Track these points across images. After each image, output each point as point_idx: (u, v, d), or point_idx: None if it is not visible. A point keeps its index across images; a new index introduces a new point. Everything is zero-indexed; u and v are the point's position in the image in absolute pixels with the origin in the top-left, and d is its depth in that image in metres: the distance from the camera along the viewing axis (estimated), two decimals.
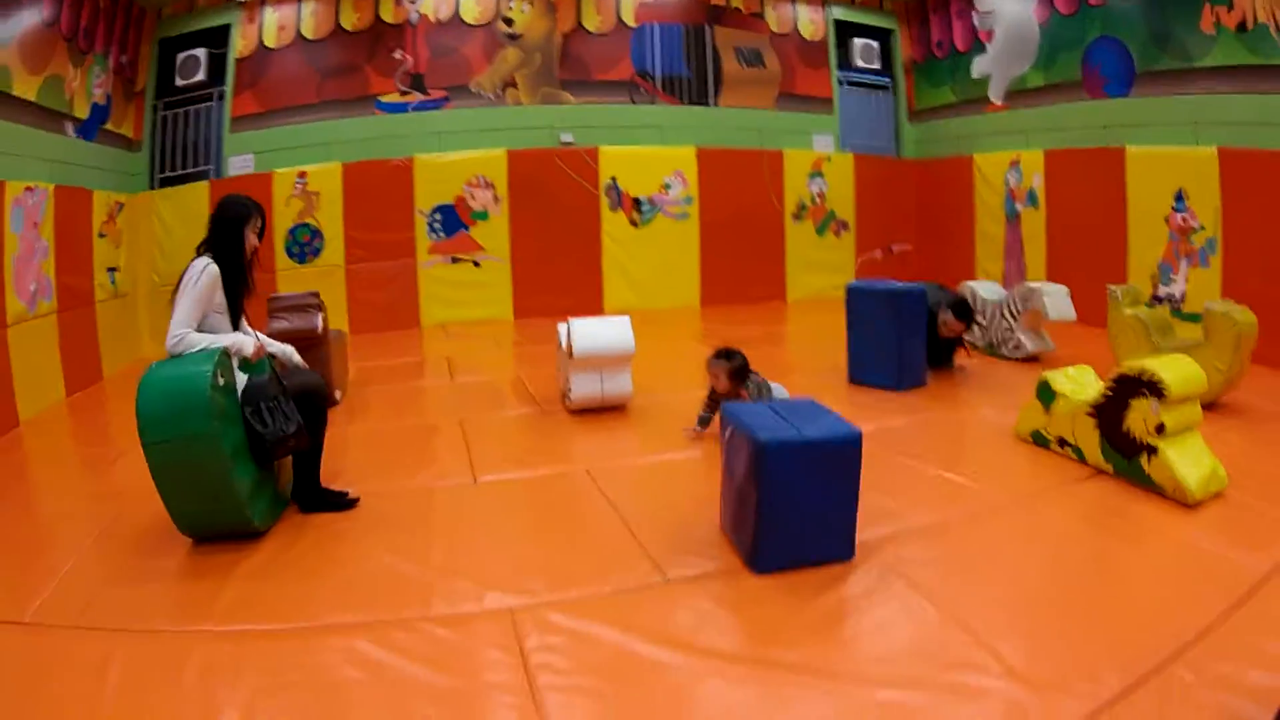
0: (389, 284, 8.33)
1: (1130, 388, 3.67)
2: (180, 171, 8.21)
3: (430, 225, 8.44)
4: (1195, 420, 3.65)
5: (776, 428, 2.73)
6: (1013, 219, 9.01)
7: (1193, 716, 1.98)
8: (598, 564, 2.93)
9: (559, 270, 8.86)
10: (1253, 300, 5.02)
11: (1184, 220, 6.93)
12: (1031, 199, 8.69)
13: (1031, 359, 6.31)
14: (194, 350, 3.17)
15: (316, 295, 5.27)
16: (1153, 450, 3.55)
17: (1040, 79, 8.70)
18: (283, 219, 7.97)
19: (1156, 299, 7.17)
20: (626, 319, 5.04)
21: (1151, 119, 7.31)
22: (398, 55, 8.68)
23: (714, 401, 4.36)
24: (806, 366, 6.39)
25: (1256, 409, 4.66)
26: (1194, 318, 6.11)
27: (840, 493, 2.78)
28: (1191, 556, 2.97)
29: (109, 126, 7.47)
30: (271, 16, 8.40)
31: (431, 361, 6.86)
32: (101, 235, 6.98)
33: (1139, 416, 3.62)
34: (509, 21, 9.02)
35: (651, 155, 9.23)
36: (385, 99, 8.67)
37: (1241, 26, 6.39)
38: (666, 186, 9.20)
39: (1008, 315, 6.54)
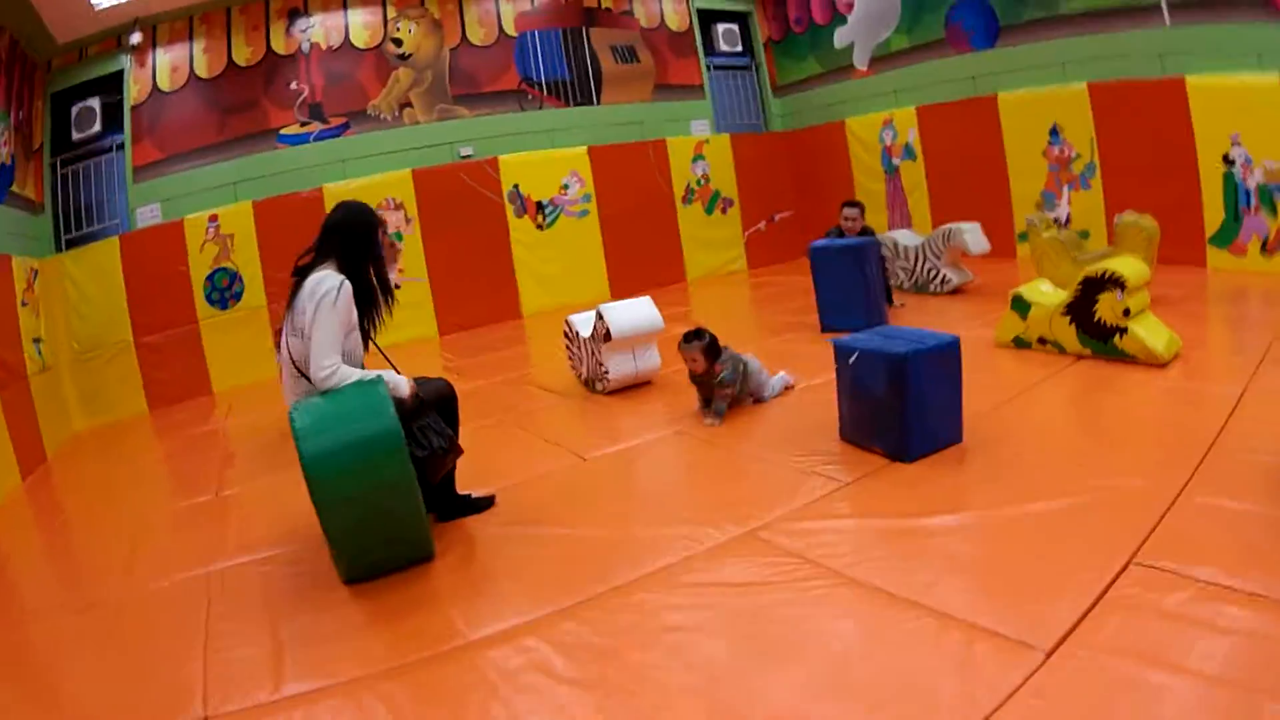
0: None
1: (1096, 286, 5.09)
2: (85, 230, 8.37)
3: None
4: (1146, 303, 5.12)
5: (901, 344, 3.87)
6: (891, 173, 10.71)
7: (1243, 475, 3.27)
8: (778, 489, 3.73)
9: (475, 281, 9.67)
10: (1135, 207, 6.70)
11: (1061, 151, 8.71)
12: (909, 153, 10.39)
13: (956, 290, 7.88)
14: (348, 384, 3.26)
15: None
16: (1123, 331, 4.99)
17: (905, 41, 10.45)
18: (199, 266, 8.27)
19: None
20: (648, 299, 6.07)
21: (1019, 65, 9.16)
22: (294, 86, 9.18)
23: (700, 384, 4.90)
24: (769, 326, 7.64)
25: (1170, 296, 6.28)
26: (1083, 235, 7.84)
27: (951, 388, 3.96)
28: (1180, 393, 4.44)
29: (14, 189, 7.54)
30: (164, 59, 8.65)
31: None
32: (24, 304, 7.07)
33: (1107, 307, 5.05)
34: (398, 42, 9.75)
35: (547, 159, 10.23)
36: (286, 131, 9.14)
37: None
38: (565, 187, 10.21)
39: (930, 255, 8.03)
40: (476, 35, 10.28)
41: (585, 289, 10.16)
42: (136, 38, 8.47)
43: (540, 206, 10.06)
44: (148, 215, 8.45)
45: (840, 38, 11.36)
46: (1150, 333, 4.98)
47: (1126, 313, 4.98)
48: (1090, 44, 8.52)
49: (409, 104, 9.83)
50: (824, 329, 6.98)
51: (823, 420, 4.51)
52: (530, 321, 9.75)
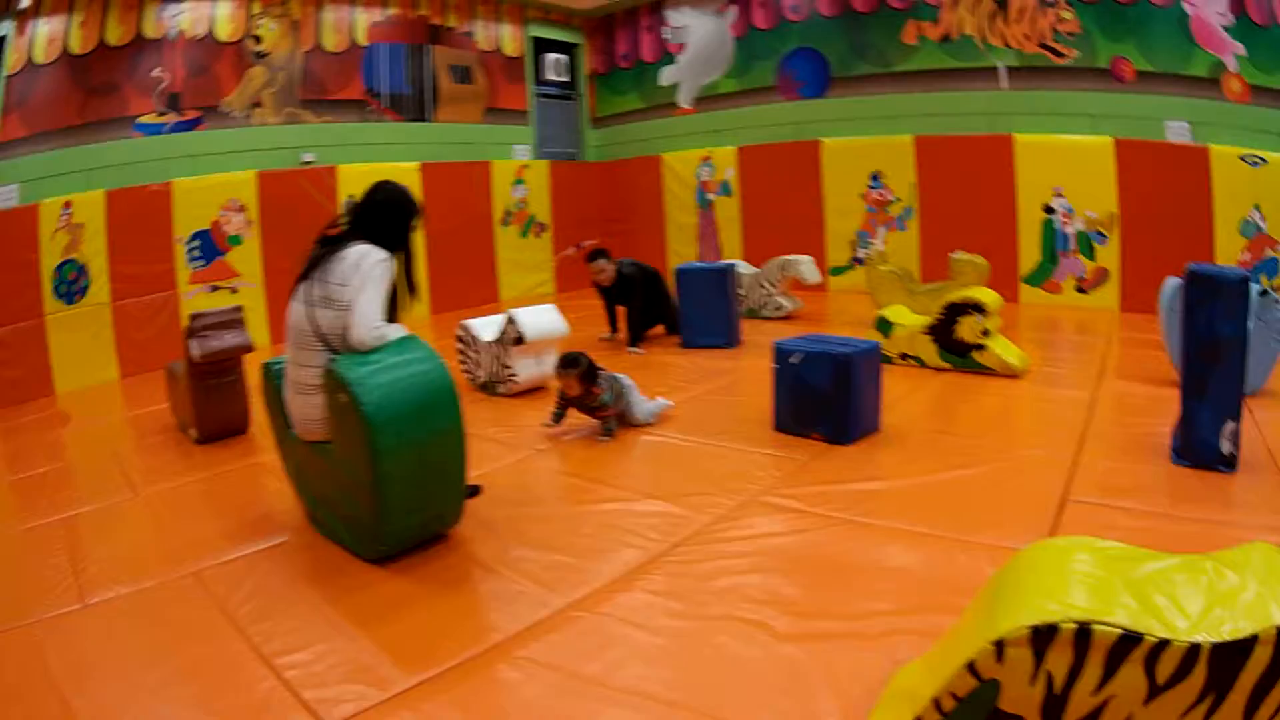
0: (154, 319, 8.78)
1: (957, 310, 6.39)
2: None
3: (189, 253, 9.00)
4: (998, 326, 6.45)
5: (839, 347, 4.88)
6: (705, 208, 12.07)
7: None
8: (747, 467, 4.47)
9: None
10: (950, 248, 8.32)
11: (880, 195, 10.25)
12: (725, 189, 11.78)
13: (788, 316, 9.17)
14: (390, 341, 3.51)
15: (240, 310, 5.83)
16: (980, 348, 6.30)
17: (733, 85, 11.89)
18: (49, 256, 8.00)
19: (857, 260, 10.54)
20: (552, 306, 6.80)
21: (847, 116, 10.75)
22: (156, 73, 9.11)
23: (565, 403, 5.32)
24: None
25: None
26: None
27: (874, 385, 5.02)
28: (1041, 396, 5.82)
29: None
30: (44, 28, 8.35)
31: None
32: None
33: (966, 328, 6.35)
34: (257, 39, 9.89)
35: (382, 172, 10.51)
36: (143, 119, 9.03)
37: (946, 38, 9.92)
38: None
39: (765, 284, 9.30)
40: (331, 41, 10.56)
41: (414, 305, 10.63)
42: (25, 1, 8.17)
43: None
44: (4, 197, 8.11)
45: (666, 76, 12.67)
46: (1005, 349, 6.34)
47: (986, 333, 6.29)
48: (921, 101, 10.26)
49: (259, 104, 9.93)
50: (684, 345, 8.00)
51: (742, 416, 5.51)
52: None
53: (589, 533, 3.79)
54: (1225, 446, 4.23)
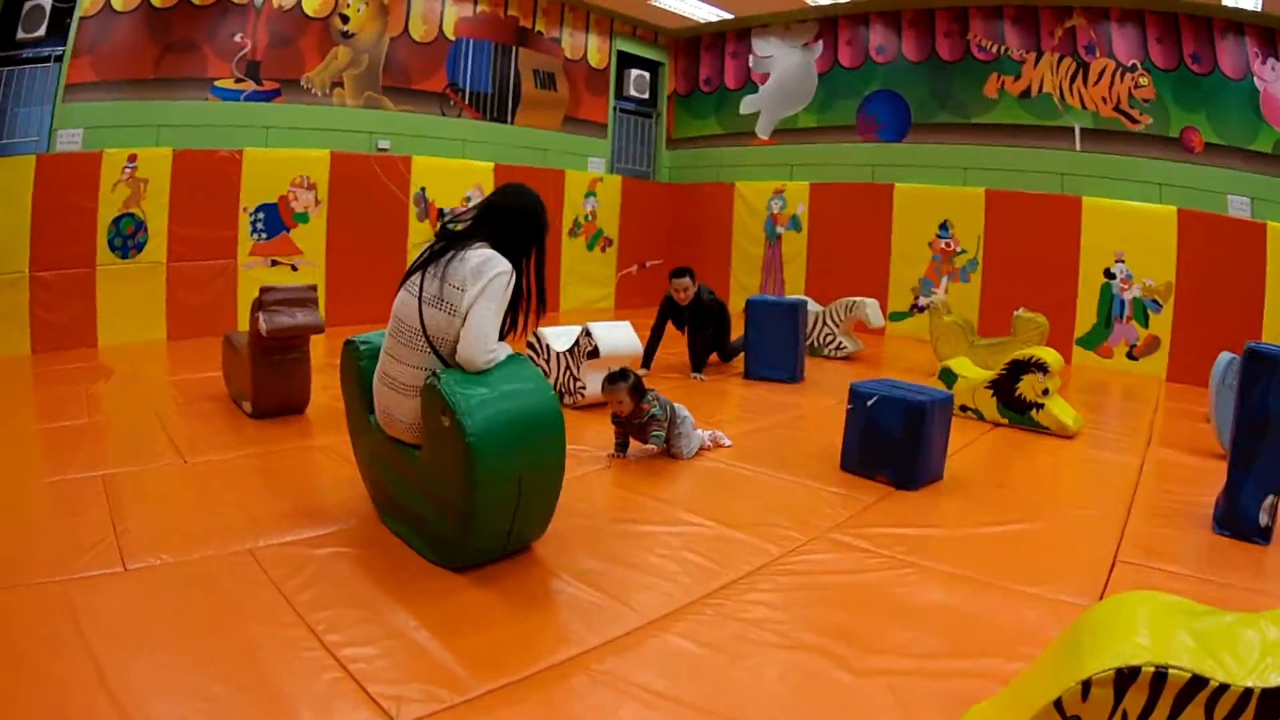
0: (209, 285, 8.99)
1: (1021, 368, 6.77)
2: (5, 141, 8.10)
3: (254, 225, 9.26)
4: (1058, 386, 6.86)
5: (914, 394, 5.27)
6: (773, 240, 12.49)
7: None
8: (814, 504, 4.74)
9: (367, 278, 10.02)
10: (1010, 304, 8.88)
11: (947, 245, 10.65)
12: (794, 224, 12.19)
13: (849, 357, 9.60)
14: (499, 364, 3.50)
15: (313, 289, 5.88)
16: (1039, 406, 6.69)
17: (813, 121, 12.35)
18: (108, 207, 8.22)
19: (917, 307, 10.87)
20: (627, 323, 7.12)
21: (921, 162, 11.24)
22: (238, 38, 9.44)
23: (620, 425, 5.34)
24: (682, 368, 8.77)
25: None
26: None
27: (942, 433, 5.40)
28: (1093, 458, 6.19)
29: None
30: None
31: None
32: None
33: (1028, 386, 6.74)
34: (344, 18, 10.30)
35: (456, 168, 11.09)
36: (221, 84, 9.33)
37: (1025, 94, 10.37)
38: (467, 199, 11.06)
39: (830, 322, 9.69)
40: (418, 30, 11.00)
41: None
42: None
43: (441, 214, 10.75)
44: (68, 140, 8.30)
45: (747, 105, 13.19)
46: (1062, 409, 6.73)
47: (1045, 392, 6.69)
48: (996, 154, 10.75)
49: (340, 84, 10.30)
50: (747, 376, 8.37)
51: (807, 452, 5.85)
52: None
53: (662, 552, 3.90)
54: (1264, 519, 4.56)
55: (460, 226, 3.74)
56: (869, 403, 5.42)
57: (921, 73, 11.59)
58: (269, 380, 5.77)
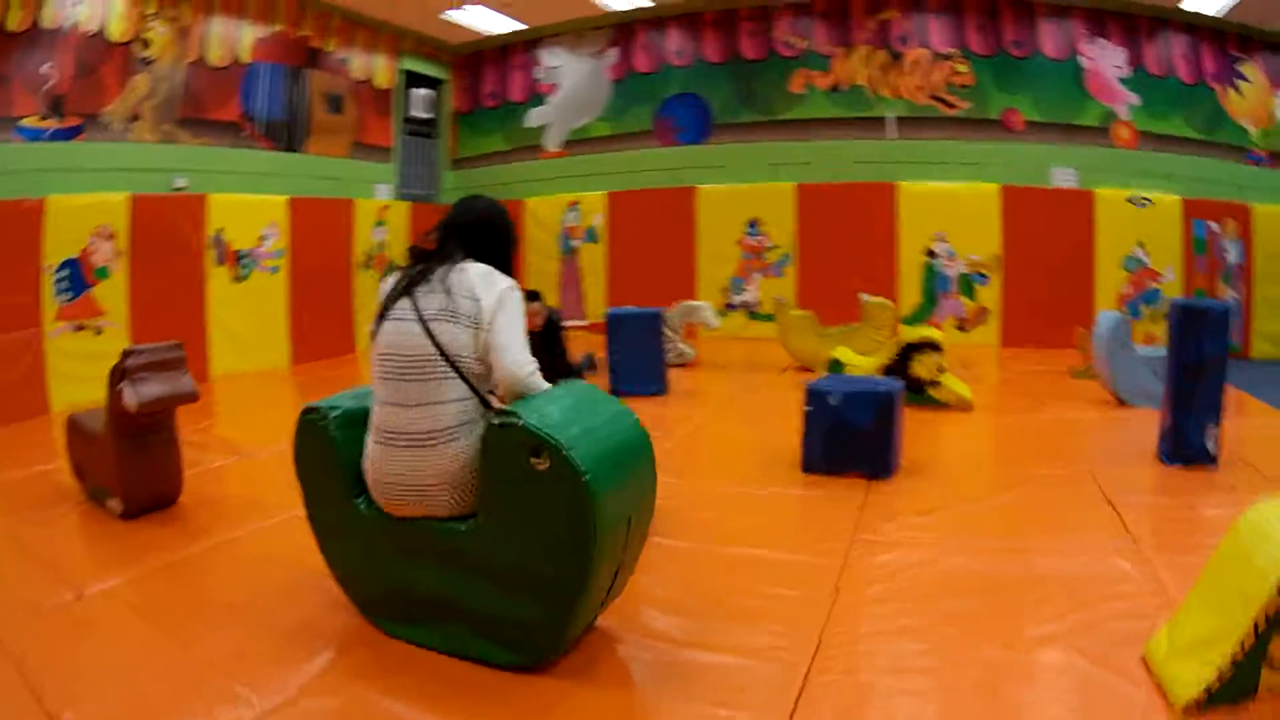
0: (16, 361, 7.79)
1: (914, 349, 7.04)
2: None
3: (58, 284, 8.09)
4: (946, 364, 7.18)
5: (876, 386, 5.33)
6: (569, 254, 12.36)
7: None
8: (819, 511, 4.66)
9: (166, 334, 8.77)
10: (825, 292, 9.43)
11: (757, 242, 10.94)
12: (591, 235, 12.12)
13: (686, 364, 9.53)
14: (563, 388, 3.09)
15: (180, 347, 4.86)
16: (936, 384, 6.98)
17: (607, 129, 12.30)
18: None
19: (730, 306, 11.14)
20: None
21: (726, 162, 11.38)
22: (46, 69, 8.36)
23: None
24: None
25: None
26: (770, 317, 10.15)
27: (900, 422, 5.49)
28: (1009, 425, 6.57)
29: None
30: None
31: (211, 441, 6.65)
32: None
33: (922, 365, 7.00)
34: (146, 43, 9.20)
35: (251, 204, 10.11)
36: (26, 122, 8.24)
37: (835, 88, 10.74)
38: (263, 238, 10.15)
39: (668, 330, 9.69)
40: (215, 54, 9.97)
41: (269, 353, 10.13)
42: None
43: (239, 257, 9.85)
44: None
45: (535, 117, 12.94)
46: (957, 385, 7.04)
47: (941, 369, 6.99)
48: (806, 149, 11.12)
49: (139, 116, 9.21)
50: (615, 393, 8.16)
51: (754, 460, 5.72)
52: (220, 385, 9.24)
53: (736, 590, 3.60)
54: (1210, 446, 5.21)
55: (429, 244, 3.27)
56: (833, 401, 5.37)
57: (723, 73, 11.80)
58: (140, 468, 4.63)
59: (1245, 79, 10.14)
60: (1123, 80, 9.99)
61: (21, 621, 3.38)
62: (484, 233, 3.27)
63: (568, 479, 2.65)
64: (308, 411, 3.26)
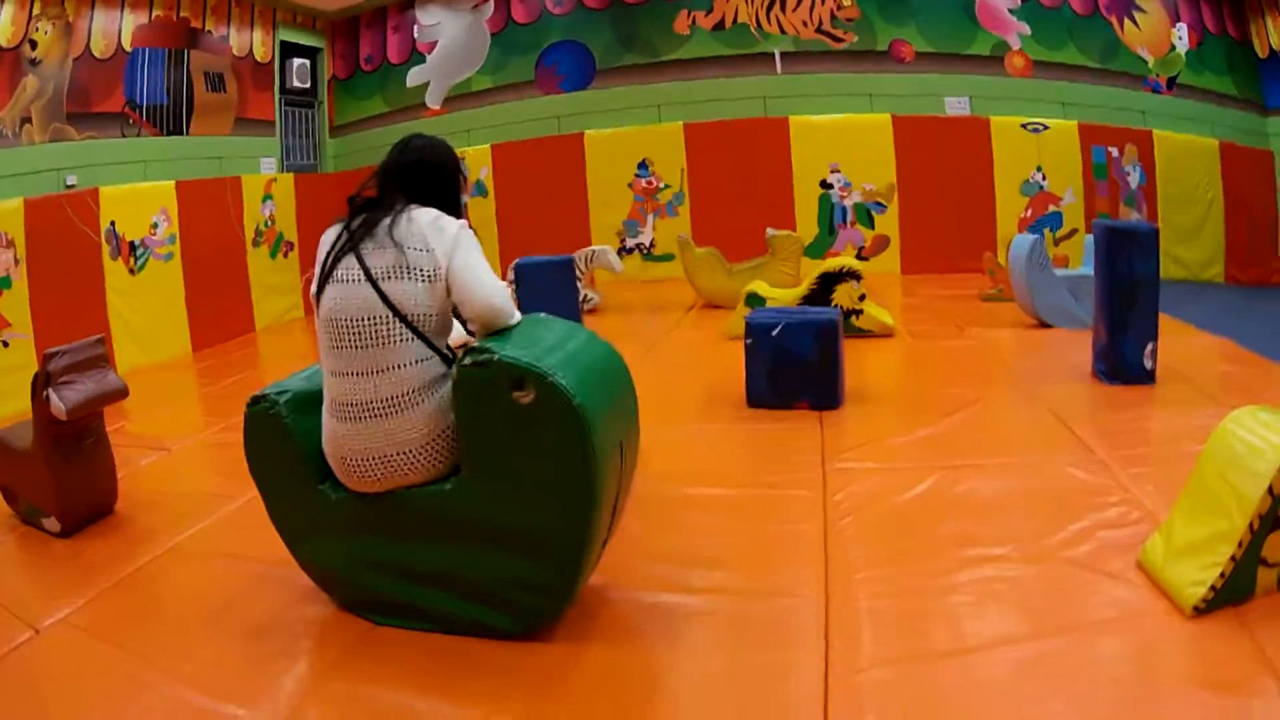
0: None
1: (832, 279, 7.11)
2: None
3: None
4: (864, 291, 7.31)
5: (814, 315, 5.34)
6: None
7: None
8: (778, 446, 4.60)
9: (72, 336, 8.86)
10: (721, 229, 9.51)
11: (649, 183, 10.94)
12: (480, 189, 11.90)
13: (594, 310, 9.52)
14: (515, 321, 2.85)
15: (102, 342, 4.59)
16: (859, 313, 7.10)
17: (488, 82, 11.98)
18: None
19: (625, 249, 11.14)
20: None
21: (612, 107, 11.25)
22: None
23: None
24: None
25: None
26: (667, 258, 10.31)
27: (839, 353, 5.48)
28: (936, 350, 6.71)
29: None
30: None
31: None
32: None
33: (843, 295, 7.08)
34: (33, 44, 8.84)
35: (140, 193, 9.72)
36: None
37: (719, 26, 10.71)
38: (154, 226, 9.75)
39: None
40: (99, 46, 9.51)
41: (171, 342, 9.77)
42: None
43: (133, 247, 9.57)
44: None
45: (414, 77, 12.51)
46: (878, 312, 7.17)
47: (862, 298, 7.11)
48: (692, 88, 11.01)
49: (29, 119, 8.91)
50: None
51: (694, 398, 5.81)
52: (127, 380, 8.94)
53: (714, 528, 3.57)
54: (1148, 364, 5.37)
55: (369, 192, 2.99)
56: (773, 333, 5.39)
57: (604, 19, 11.59)
58: (75, 479, 4.23)
59: (1142, 9, 10.44)
60: (1012, 11, 10.22)
61: None
62: (425, 174, 3.01)
63: (558, 408, 2.46)
64: (255, 401, 2.97)
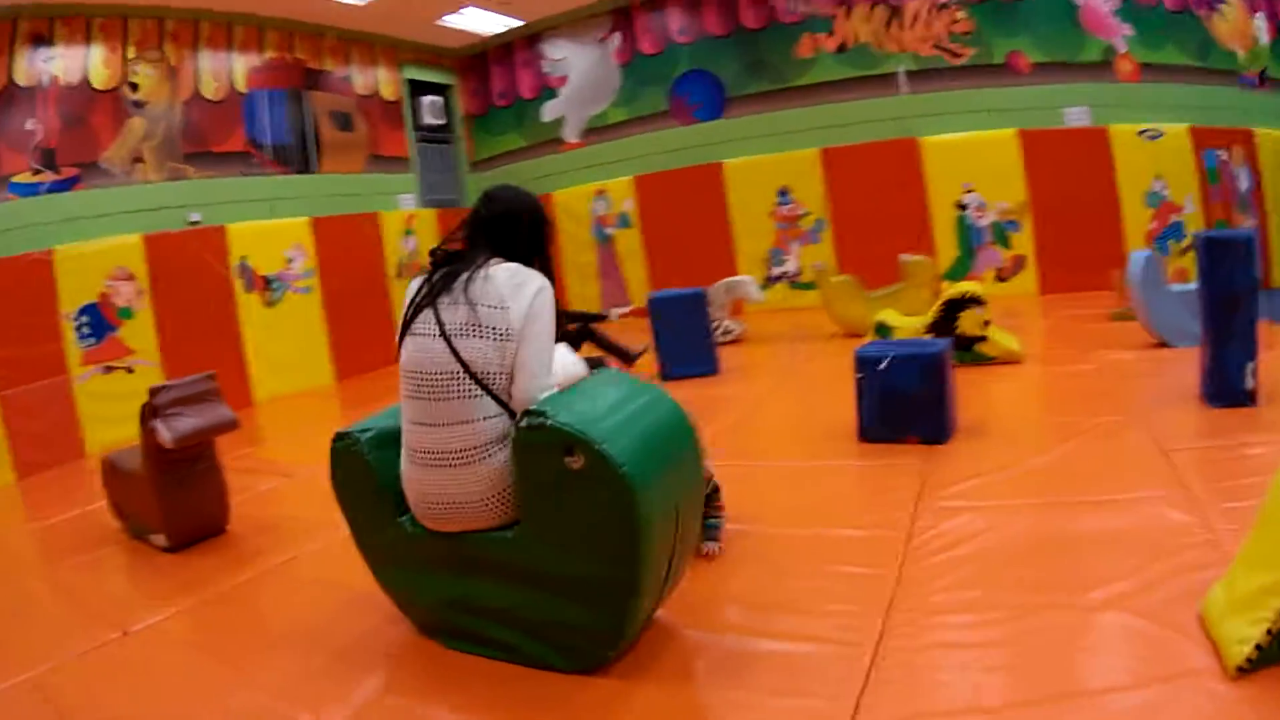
0: (47, 409, 8.15)
1: (957, 305, 7.19)
2: None
3: (79, 330, 8.46)
4: (990, 316, 7.36)
5: (922, 348, 5.44)
6: (604, 243, 12.59)
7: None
8: (877, 485, 4.74)
9: (204, 365, 8.71)
10: (863, 255, 9.67)
11: (790, 211, 11.14)
12: (624, 221, 12.34)
13: (736, 340, 9.78)
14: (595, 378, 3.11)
15: (213, 377, 5.09)
16: (983, 339, 7.16)
17: (623, 114, 12.53)
18: None
19: (772, 279, 11.33)
20: (564, 345, 7.01)
21: (747, 135, 11.57)
22: (30, 125, 8.69)
23: None
24: None
25: None
26: (809, 286, 10.39)
27: (952, 381, 5.62)
28: (1058, 375, 6.73)
29: None
30: None
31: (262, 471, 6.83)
32: None
33: (968, 322, 7.15)
34: (134, 86, 9.54)
35: (272, 229, 10.52)
36: (18, 179, 8.57)
37: (842, 48, 10.97)
38: (290, 261, 10.56)
39: (711, 309, 9.87)
40: (209, 88, 10.33)
41: (313, 372, 10.54)
42: None
43: (267, 282, 10.27)
44: None
45: (549, 111, 13.21)
46: (1004, 338, 7.20)
47: (987, 324, 7.15)
48: (823, 113, 11.27)
49: (141, 158, 9.59)
50: (665, 377, 8.28)
51: (809, 434, 5.97)
52: (265, 409, 9.76)
53: (799, 571, 3.66)
54: (1248, 383, 5.24)
55: (455, 246, 3.16)
56: (881, 366, 5.51)
57: (730, 46, 11.95)
58: (182, 502, 4.79)
59: (1225, 0, 10.10)
60: (1115, 12, 10.01)
61: (66, 666, 3.51)
62: (510, 226, 3.11)
63: (606, 475, 2.58)
64: (339, 438, 3.24)
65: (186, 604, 4.07)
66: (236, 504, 5.27)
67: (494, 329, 2.85)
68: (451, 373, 2.86)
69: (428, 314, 2.96)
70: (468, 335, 2.87)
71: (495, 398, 2.88)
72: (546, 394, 2.85)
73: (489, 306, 2.87)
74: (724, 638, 3.11)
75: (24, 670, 3.48)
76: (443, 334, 2.89)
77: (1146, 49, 9.91)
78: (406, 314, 3.03)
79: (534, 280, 2.96)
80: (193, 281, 9.54)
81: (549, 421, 2.66)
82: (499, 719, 2.79)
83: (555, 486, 2.72)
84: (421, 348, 2.94)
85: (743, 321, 10.13)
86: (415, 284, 3.09)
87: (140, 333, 9.04)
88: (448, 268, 3.04)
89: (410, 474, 3.01)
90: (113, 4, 9.52)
